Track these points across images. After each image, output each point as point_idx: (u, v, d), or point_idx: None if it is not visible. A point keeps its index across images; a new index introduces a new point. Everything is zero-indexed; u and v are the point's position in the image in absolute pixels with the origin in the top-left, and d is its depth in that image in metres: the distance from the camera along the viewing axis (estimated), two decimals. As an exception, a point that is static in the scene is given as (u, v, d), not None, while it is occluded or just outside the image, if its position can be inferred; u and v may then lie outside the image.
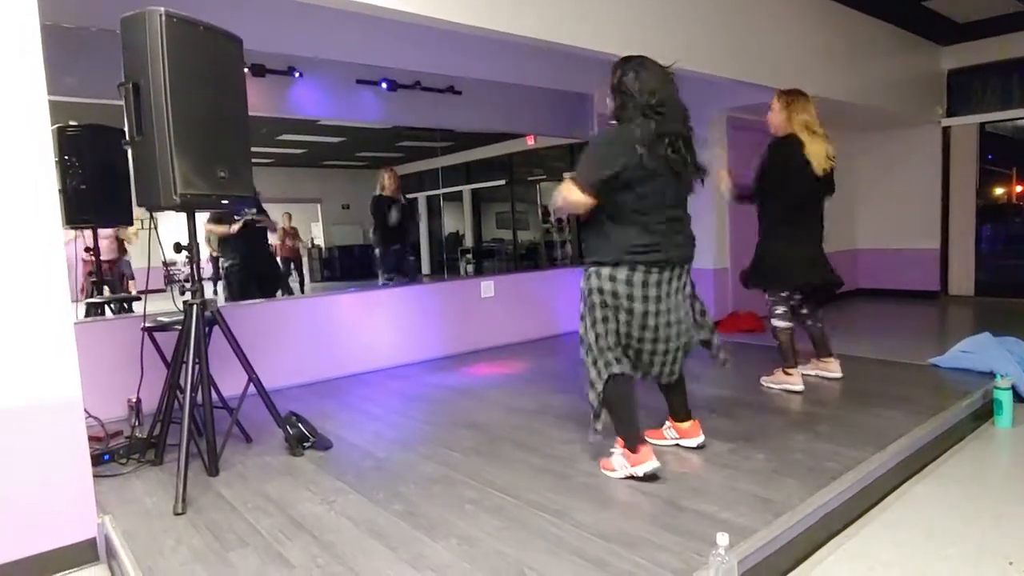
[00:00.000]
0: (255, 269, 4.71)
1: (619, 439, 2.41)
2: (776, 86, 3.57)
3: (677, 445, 2.63)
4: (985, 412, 3.19)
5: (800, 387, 3.40)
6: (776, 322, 3.46)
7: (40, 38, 1.94)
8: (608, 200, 2.28)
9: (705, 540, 1.81)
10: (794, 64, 4.82)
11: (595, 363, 2.36)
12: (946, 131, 7.14)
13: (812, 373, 3.65)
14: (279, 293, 4.88)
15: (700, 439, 2.61)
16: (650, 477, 2.29)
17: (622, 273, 2.28)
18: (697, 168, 2.39)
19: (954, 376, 3.62)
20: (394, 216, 5.42)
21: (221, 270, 4.77)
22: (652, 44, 3.84)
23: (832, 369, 3.63)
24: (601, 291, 2.32)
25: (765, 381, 3.57)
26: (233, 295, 4.57)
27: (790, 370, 3.44)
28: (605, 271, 2.31)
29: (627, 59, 2.35)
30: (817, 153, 3.27)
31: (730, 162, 5.94)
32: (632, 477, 2.31)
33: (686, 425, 2.63)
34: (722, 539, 1.62)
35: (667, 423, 2.68)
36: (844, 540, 2.13)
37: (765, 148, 3.41)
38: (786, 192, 3.32)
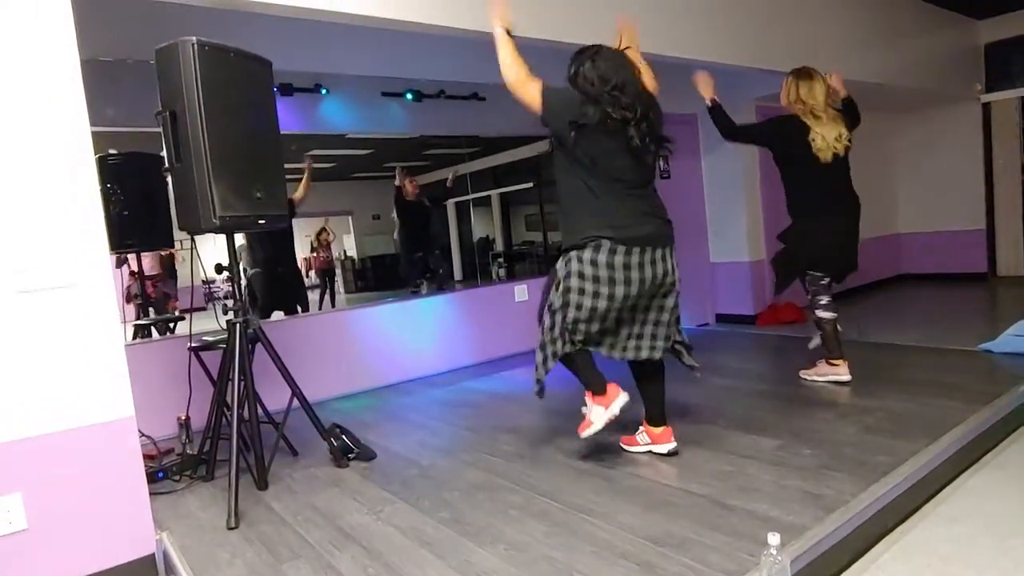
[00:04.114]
0: (279, 276, 4.71)
1: (588, 392, 2.46)
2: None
3: (650, 452, 2.56)
4: (1043, 397, 3.08)
5: (848, 376, 3.31)
6: (821, 312, 3.35)
7: (80, 73, 2.02)
8: (572, 180, 2.34)
9: (755, 540, 1.79)
10: (823, 49, 4.72)
11: (553, 342, 2.41)
12: (986, 107, 6.90)
13: (810, 376, 3.47)
14: (299, 309, 4.80)
15: (671, 445, 2.53)
16: (624, 407, 2.39)
17: (603, 256, 2.28)
18: (660, 143, 2.36)
19: (1008, 361, 3.50)
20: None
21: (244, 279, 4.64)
22: (674, 38, 3.81)
23: (841, 372, 3.38)
24: (582, 275, 2.32)
25: (807, 375, 3.47)
26: (256, 305, 4.44)
27: (835, 360, 3.35)
28: (587, 254, 2.30)
29: (582, 51, 2.36)
30: (823, 137, 3.20)
31: (761, 151, 5.84)
32: (613, 419, 2.39)
33: (658, 430, 2.55)
34: (773, 539, 1.59)
35: (640, 428, 2.61)
36: (900, 536, 2.08)
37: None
38: (792, 172, 3.31)
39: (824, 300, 3.36)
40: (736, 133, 3.43)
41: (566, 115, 2.27)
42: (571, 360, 2.46)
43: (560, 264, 2.42)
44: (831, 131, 3.22)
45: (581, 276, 2.32)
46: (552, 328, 2.42)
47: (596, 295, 2.31)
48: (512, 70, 2.34)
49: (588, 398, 2.47)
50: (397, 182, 5.55)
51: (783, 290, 3.53)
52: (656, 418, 2.56)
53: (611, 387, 2.41)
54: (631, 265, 2.29)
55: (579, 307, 2.34)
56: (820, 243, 3.32)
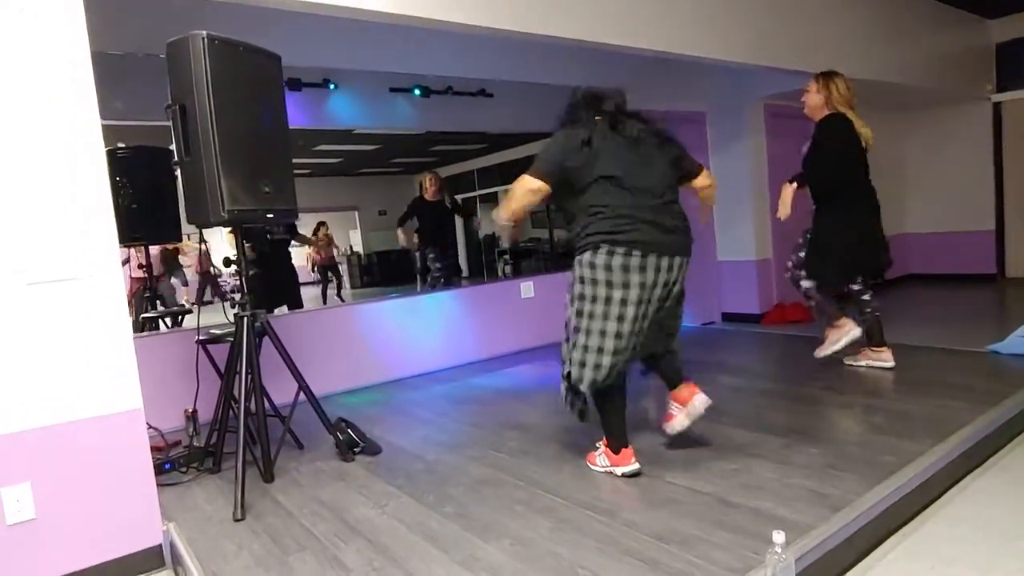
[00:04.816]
0: (273, 279, 4.78)
1: (604, 439, 2.45)
2: (813, 70, 3.49)
3: (687, 417, 2.52)
4: (1051, 399, 3.06)
5: (858, 330, 3.44)
6: (804, 283, 3.48)
7: (91, 66, 2.03)
8: (578, 201, 2.33)
9: (760, 538, 1.79)
10: (830, 46, 4.69)
11: (573, 349, 2.34)
12: (997, 107, 6.86)
13: (864, 364, 3.57)
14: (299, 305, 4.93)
15: (703, 398, 2.48)
16: (630, 475, 2.36)
17: (600, 258, 2.24)
18: (660, 138, 2.38)
19: (1015, 363, 3.48)
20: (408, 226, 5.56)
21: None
22: (681, 37, 3.80)
23: (886, 358, 3.54)
24: (582, 280, 2.30)
25: (821, 352, 3.59)
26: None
27: (838, 321, 3.47)
28: (585, 257, 2.28)
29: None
30: (863, 127, 3.32)
31: (769, 150, 5.82)
32: (611, 474, 2.39)
33: (684, 392, 2.51)
34: (778, 536, 1.59)
35: (670, 402, 2.58)
36: (904, 536, 2.07)
37: (815, 129, 3.40)
38: (842, 169, 3.31)
39: (803, 273, 3.50)
40: (836, 181, 3.35)
41: (565, 148, 2.31)
42: (602, 400, 2.39)
43: (568, 280, 2.41)
44: (865, 125, 3.34)
45: (582, 281, 2.31)
46: (567, 338, 2.41)
47: (595, 299, 2.27)
48: (536, 191, 2.33)
49: (601, 444, 2.46)
50: (428, 193, 5.53)
51: (836, 290, 3.53)
52: (677, 383, 2.54)
53: (626, 452, 2.38)
54: (630, 268, 2.23)
55: (579, 313, 2.32)
56: (858, 234, 3.37)
